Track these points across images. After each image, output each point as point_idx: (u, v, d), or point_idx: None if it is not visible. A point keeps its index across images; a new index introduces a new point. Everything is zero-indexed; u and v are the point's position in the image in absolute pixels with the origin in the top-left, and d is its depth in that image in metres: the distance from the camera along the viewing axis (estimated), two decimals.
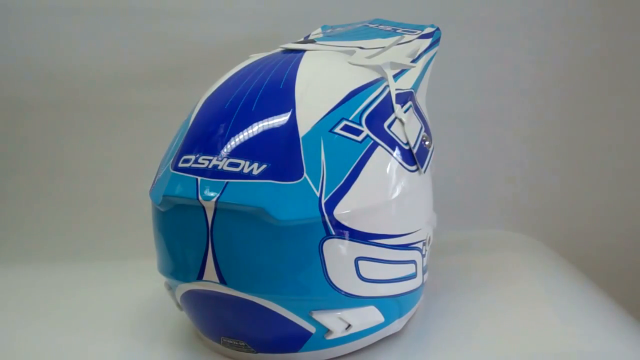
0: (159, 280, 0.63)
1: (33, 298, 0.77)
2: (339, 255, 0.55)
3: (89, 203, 0.98)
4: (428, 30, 0.75)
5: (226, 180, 0.55)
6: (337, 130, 0.57)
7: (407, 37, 0.73)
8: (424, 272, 0.66)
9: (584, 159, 1.00)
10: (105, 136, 0.98)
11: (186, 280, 0.58)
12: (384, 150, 0.59)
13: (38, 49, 0.96)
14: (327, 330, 0.58)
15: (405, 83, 0.65)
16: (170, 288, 0.62)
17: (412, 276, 0.62)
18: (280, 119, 0.57)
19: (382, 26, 0.79)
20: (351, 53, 0.68)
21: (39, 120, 0.97)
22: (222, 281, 0.55)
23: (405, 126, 0.61)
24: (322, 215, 0.54)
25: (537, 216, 1.01)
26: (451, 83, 0.94)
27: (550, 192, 1.01)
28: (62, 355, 0.64)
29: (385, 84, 0.63)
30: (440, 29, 0.76)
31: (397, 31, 0.76)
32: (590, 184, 1.01)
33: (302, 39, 0.77)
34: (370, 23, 0.81)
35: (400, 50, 0.70)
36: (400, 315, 0.64)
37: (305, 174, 0.55)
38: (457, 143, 0.98)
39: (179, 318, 0.69)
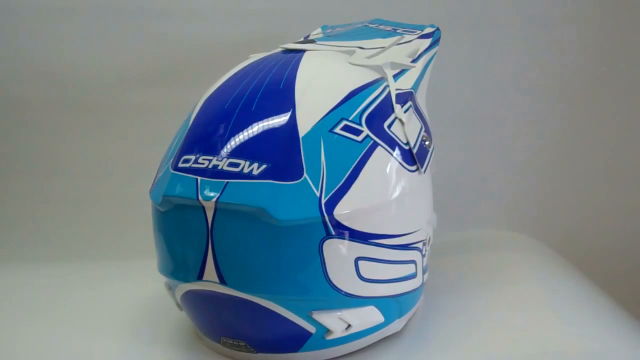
0: (159, 280, 0.63)
1: (33, 298, 0.77)
2: (339, 255, 0.55)
3: (89, 203, 0.98)
4: (428, 30, 0.75)
5: (226, 180, 0.54)
6: (337, 130, 0.57)
7: (407, 37, 0.73)
8: (424, 272, 0.66)
9: (583, 159, 1.00)
10: (105, 136, 0.98)
11: (186, 280, 0.58)
12: (384, 150, 0.59)
13: (38, 49, 0.96)
14: (327, 330, 0.58)
15: (405, 83, 0.65)
16: (170, 288, 0.62)
17: (412, 276, 0.62)
18: (280, 119, 0.57)
19: (382, 26, 0.79)
20: (351, 53, 0.68)
21: (39, 120, 0.97)
22: (222, 281, 0.55)
23: (405, 126, 0.61)
24: (322, 215, 0.54)
25: (537, 216, 1.01)
26: (451, 83, 0.94)
27: (550, 192, 1.01)
28: (62, 355, 0.64)
29: (385, 84, 0.63)
30: (440, 29, 0.76)
31: (397, 31, 0.76)
32: (590, 184, 1.01)
33: (302, 39, 0.77)
34: (370, 23, 0.81)
35: (400, 50, 0.70)
36: (400, 315, 0.64)
37: (305, 174, 0.54)
38: (457, 143, 0.98)
39: (179, 318, 0.69)
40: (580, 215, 1.01)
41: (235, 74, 0.65)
